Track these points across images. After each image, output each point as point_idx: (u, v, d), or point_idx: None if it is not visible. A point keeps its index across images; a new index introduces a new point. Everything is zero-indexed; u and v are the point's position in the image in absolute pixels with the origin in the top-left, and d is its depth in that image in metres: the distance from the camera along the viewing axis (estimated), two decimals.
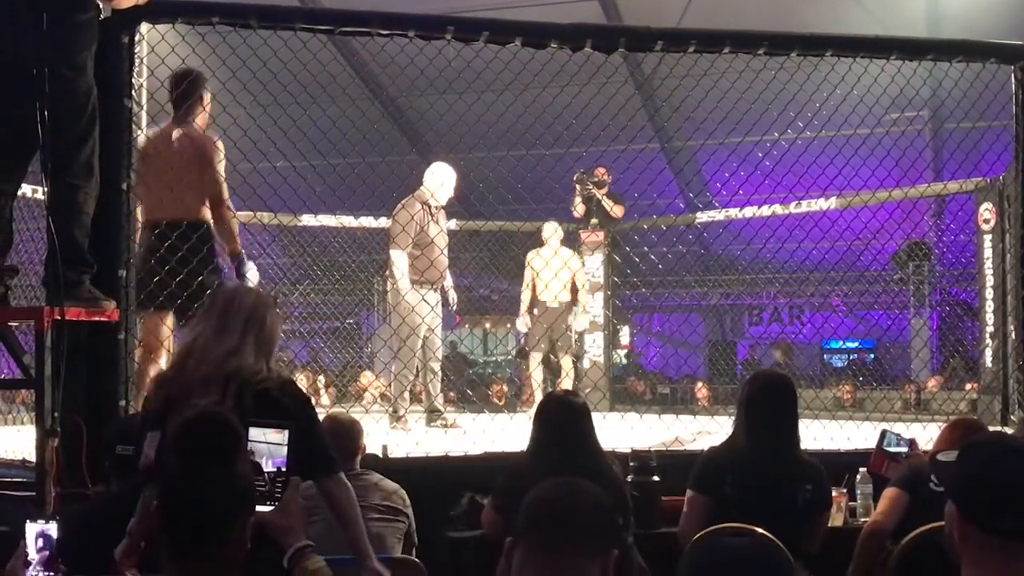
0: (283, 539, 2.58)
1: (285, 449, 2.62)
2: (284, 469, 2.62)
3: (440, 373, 7.58)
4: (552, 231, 8.89)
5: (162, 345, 5.05)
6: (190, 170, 5.08)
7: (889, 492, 3.89)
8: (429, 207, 7.17)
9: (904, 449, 4.48)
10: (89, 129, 4.20)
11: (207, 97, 5.31)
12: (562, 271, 8.68)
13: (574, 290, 8.97)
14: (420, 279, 7.08)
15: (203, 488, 2.26)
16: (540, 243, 8.98)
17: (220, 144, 5.24)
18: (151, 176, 5.04)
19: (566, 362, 9.04)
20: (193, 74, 5.21)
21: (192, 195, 5.09)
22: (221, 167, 5.18)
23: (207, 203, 5.13)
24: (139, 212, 5.11)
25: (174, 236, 4.96)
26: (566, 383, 8.89)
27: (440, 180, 7.31)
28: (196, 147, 5.15)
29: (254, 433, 2.62)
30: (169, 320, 5.10)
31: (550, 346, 8.84)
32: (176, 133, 5.19)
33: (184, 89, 5.15)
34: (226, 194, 5.20)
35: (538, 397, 8.72)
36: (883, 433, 4.57)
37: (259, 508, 2.52)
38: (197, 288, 4.86)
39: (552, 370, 9.29)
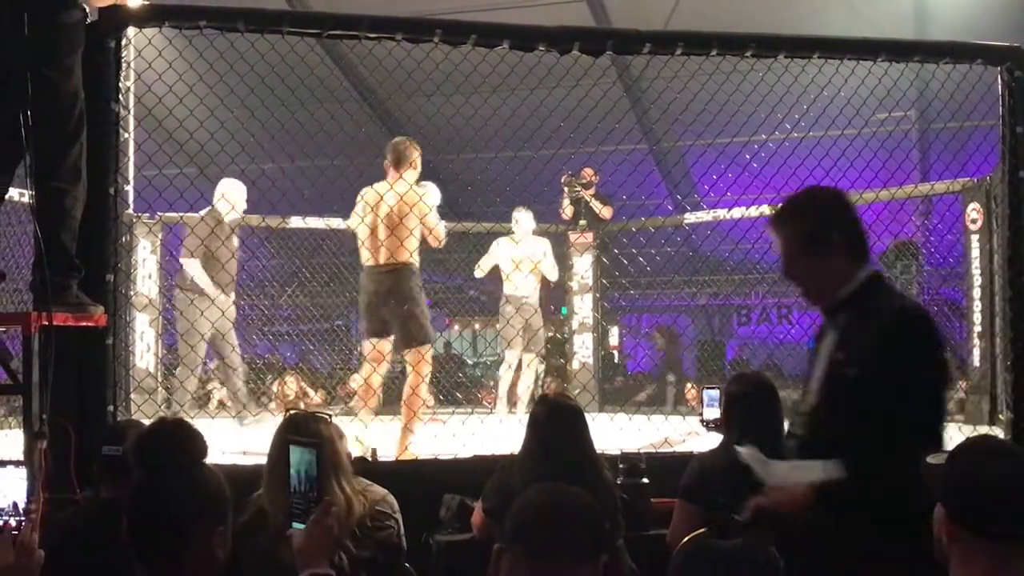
0: (301, 562, 2.53)
1: (316, 473, 2.55)
2: (315, 491, 2.54)
3: (239, 369, 7.71)
4: (523, 218, 8.72)
5: (384, 359, 6.43)
6: (405, 221, 6.08)
7: None
8: (223, 222, 7.32)
9: None
10: (76, 133, 4.18)
11: (418, 160, 6.28)
12: (527, 261, 8.60)
13: (544, 284, 8.87)
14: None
15: (155, 499, 2.25)
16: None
17: (429, 194, 6.30)
18: (376, 224, 6.16)
19: (533, 362, 8.90)
20: (407, 142, 6.32)
21: (406, 242, 6.09)
22: (433, 214, 6.27)
23: (416, 248, 6.20)
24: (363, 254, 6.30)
25: (394, 276, 6.13)
26: (527, 380, 8.75)
27: (224, 195, 7.47)
28: (410, 201, 6.11)
29: (294, 455, 2.56)
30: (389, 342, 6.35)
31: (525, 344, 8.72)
32: (397, 189, 6.15)
33: (402, 153, 6.20)
34: (441, 233, 6.31)
35: (501, 393, 8.58)
36: None
37: (297, 526, 2.47)
38: (416, 318, 6.18)
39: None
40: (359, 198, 6.36)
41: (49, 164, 4.10)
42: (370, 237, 6.25)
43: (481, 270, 8.94)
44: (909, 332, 2.71)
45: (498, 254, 8.80)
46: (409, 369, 6.36)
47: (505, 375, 8.91)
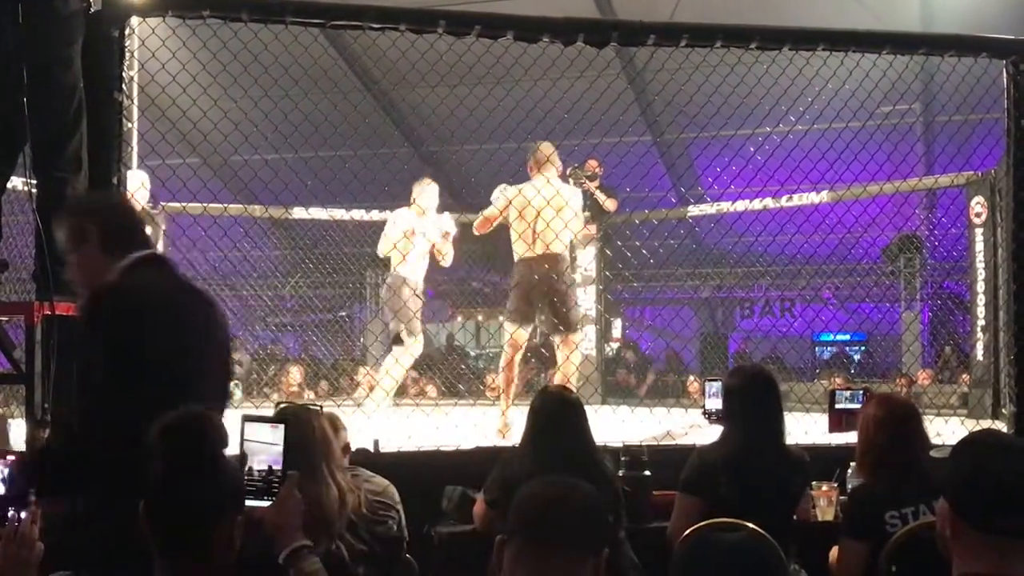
0: (279, 537, 2.56)
1: (281, 446, 2.60)
2: (279, 466, 2.59)
3: None
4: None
5: (521, 348, 6.84)
6: (561, 214, 6.62)
7: (845, 546, 3.62)
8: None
9: (856, 405, 4.48)
10: (76, 123, 4.17)
11: (554, 159, 6.82)
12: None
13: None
14: None
15: (185, 491, 2.25)
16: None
17: (576, 192, 7.02)
18: (528, 219, 6.64)
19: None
20: (547, 144, 6.85)
21: (558, 234, 6.61)
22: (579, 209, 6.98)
23: (567, 240, 6.78)
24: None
25: (547, 266, 6.61)
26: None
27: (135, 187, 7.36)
28: (561, 197, 6.66)
29: (249, 431, 2.61)
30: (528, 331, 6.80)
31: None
32: (546, 187, 6.68)
33: (543, 153, 6.77)
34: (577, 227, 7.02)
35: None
36: (832, 394, 4.57)
37: (256, 504, 2.51)
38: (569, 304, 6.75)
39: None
40: (501, 194, 6.82)
41: (49, 154, 4.10)
42: (529, 230, 6.68)
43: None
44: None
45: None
46: (561, 358, 6.83)
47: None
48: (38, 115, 3.98)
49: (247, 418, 2.64)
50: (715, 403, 4.99)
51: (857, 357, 15.73)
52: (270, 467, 2.58)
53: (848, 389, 4.65)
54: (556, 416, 4.04)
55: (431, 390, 10.92)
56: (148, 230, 7.27)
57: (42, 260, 3.95)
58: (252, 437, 2.60)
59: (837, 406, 4.63)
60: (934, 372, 11.13)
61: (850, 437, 4.75)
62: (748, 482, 3.87)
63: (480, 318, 15.82)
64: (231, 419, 2.68)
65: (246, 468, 2.58)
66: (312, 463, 3.14)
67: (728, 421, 4.13)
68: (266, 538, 2.58)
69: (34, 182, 4.11)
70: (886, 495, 3.53)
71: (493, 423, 6.66)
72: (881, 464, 3.66)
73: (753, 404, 4.04)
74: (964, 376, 9.53)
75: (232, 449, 2.66)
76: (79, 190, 4.19)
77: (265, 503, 2.54)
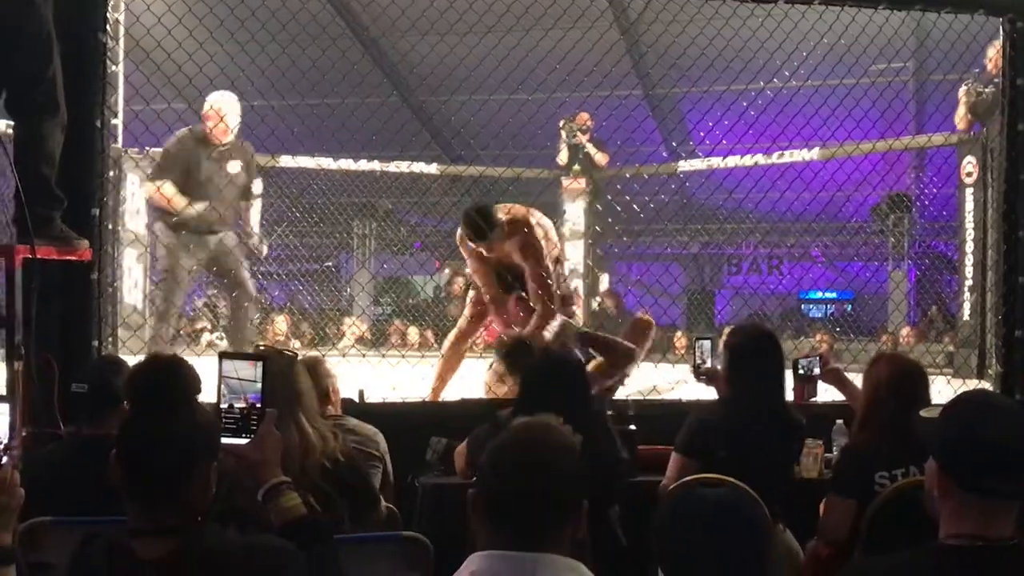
0: (257, 474, 2.54)
1: (259, 384, 2.57)
2: (259, 403, 2.56)
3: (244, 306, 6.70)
4: None
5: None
6: None
7: (832, 502, 3.53)
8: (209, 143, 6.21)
9: (815, 370, 4.49)
10: (47, 63, 4.07)
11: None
12: None
13: None
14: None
15: (158, 437, 2.21)
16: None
17: None
18: None
19: None
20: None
21: None
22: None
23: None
24: None
25: None
26: None
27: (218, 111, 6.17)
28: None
29: (227, 368, 2.57)
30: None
31: None
32: None
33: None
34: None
35: None
36: (794, 363, 4.55)
37: (234, 441, 2.48)
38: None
39: None
40: None
41: (22, 95, 4.03)
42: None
43: None
44: None
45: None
46: None
47: None
48: (7, 56, 3.90)
49: (224, 355, 2.60)
50: (704, 361, 4.87)
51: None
52: (251, 404, 2.55)
53: (806, 357, 4.61)
54: (549, 374, 3.95)
55: (415, 338, 10.90)
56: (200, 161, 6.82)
57: (20, 203, 3.89)
58: (231, 374, 2.56)
59: (800, 375, 4.62)
60: (918, 330, 11.15)
61: (835, 395, 4.75)
62: (747, 447, 3.79)
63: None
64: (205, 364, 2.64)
65: (225, 406, 2.54)
66: (281, 411, 3.09)
67: (729, 383, 4.05)
68: (246, 483, 2.56)
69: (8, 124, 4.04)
70: (878, 455, 3.47)
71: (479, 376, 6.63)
72: (883, 424, 3.59)
73: (756, 367, 3.93)
74: (949, 335, 9.56)
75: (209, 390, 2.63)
76: (56, 132, 4.12)
77: (243, 440, 2.52)
